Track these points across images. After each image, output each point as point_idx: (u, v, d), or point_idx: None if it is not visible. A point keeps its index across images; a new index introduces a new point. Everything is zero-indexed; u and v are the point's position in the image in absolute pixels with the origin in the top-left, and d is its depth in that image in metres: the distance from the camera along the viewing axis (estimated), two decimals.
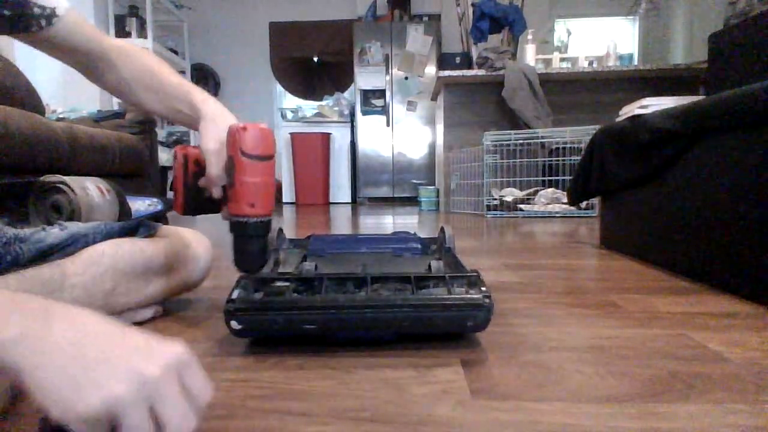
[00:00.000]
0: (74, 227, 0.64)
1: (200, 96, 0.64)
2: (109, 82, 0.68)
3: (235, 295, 0.59)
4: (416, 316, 0.56)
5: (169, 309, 0.77)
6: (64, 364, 0.27)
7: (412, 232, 0.95)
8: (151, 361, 0.29)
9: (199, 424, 0.32)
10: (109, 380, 0.27)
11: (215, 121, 0.60)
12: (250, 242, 0.56)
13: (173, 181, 0.65)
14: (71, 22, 0.60)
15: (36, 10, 0.56)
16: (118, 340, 0.30)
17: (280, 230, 0.91)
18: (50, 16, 0.57)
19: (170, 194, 0.69)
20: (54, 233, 0.61)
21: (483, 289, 0.59)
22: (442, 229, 0.87)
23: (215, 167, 0.58)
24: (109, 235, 0.67)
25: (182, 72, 4.19)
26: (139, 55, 0.68)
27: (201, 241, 0.80)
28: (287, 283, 0.64)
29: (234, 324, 0.56)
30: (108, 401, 0.27)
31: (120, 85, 0.67)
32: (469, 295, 0.58)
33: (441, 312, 0.56)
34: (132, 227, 0.72)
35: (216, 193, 0.60)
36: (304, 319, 0.56)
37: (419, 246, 0.87)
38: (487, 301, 0.57)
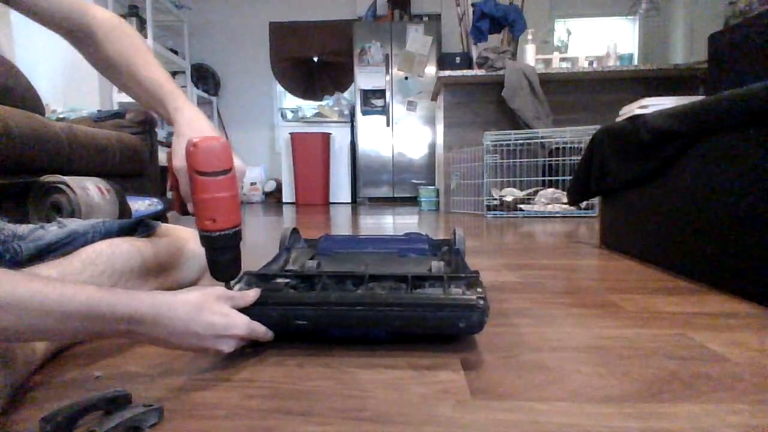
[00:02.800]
0: (73, 225, 0.64)
1: (174, 103, 0.61)
2: (95, 60, 0.65)
3: (235, 289, 0.60)
4: (408, 315, 0.56)
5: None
6: (181, 334, 0.48)
7: (424, 234, 0.95)
8: (215, 317, 0.51)
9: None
10: (193, 326, 0.49)
11: (185, 136, 0.58)
12: (220, 254, 0.57)
13: (170, 182, 0.65)
14: None
15: None
16: (189, 301, 0.49)
17: (295, 230, 0.92)
18: None
19: (170, 194, 0.69)
20: (53, 231, 0.61)
21: (479, 290, 0.58)
22: (454, 231, 0.88)
23: (184, 185, 0.57)
24: (107, 234, 0.67)
25: (182, 72, 4.19)
26: (125, 37, 0.65)
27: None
28: (288, 280, 0.64)
29: None
30: (197, 336, 0.49)
31: (103, 65, 0.65)
32: (462, 296, 0.57)
33: (432, 312, 0.56)
34: (131, 226, 0.72)
35: (191, 208, 0.58)
36: (297, 315, 0.57)
37: (425, 247, 0.87)
38: (481, 302, 0.55)
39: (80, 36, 0.63)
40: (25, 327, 0.38)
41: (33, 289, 0.38)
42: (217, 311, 0.51)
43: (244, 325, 0.54)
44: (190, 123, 0.60)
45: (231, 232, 0.56)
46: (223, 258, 0.57)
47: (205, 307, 0.50)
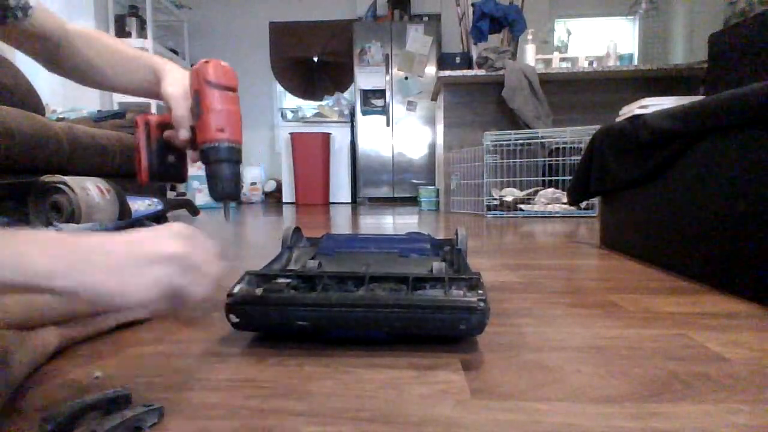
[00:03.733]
0: (70, 229, 0.64)
1: (161, 60, 0.66)
2: (72, 66, 0.68)
3: (236, 289, 0.60)
4: (408, 316, 0.56)
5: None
6: (107, 273, 0.35)
7: (426, 233, 0.95)
8: (167, 242, 0.38)
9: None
10: (148, 269, 0.36)
11: (175, 70, 0.63)
12: (223, 167, 0.57)
13: (135, 150, 0.66)
14: (42, 12, 0.61)
15: (11, 2, 0.57)
16: (136, 240, 0.38)
17: (297, 229, 0.92)
18: (25, 7, 0.58)
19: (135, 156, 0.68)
20: None
21: (480, 292, 0.58)
22: (456, 231, 0.88)
23: (181, 108, 0.59)
24: None
25: None
26: (98, 36, 0.69)
27: None
28: (289, 280, 0.64)
29: (232, 317, 0.58)
30: (156, 281, 0.36)
31: (83, 68, 0.68)
32: (462, 298, 0.57)
33: (432, 313, 0.56)
34: (128, 228, 0.72)
35: (183, 135, 0.60)
36: (298, 315, 0.57)
37: (427, 247, 0.87)
38: (481, 304, 0.55)
39: (61, 47, 0.65)
40: None
41: None
42: (172, 244, 0.38)
43: (207, 276, 0.40)
44: (181, 68, 0.65)
45: (237, 146, 0.57)
46: (226, 171, 0.57)
47: (154, 236, 0.39)
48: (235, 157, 0.57)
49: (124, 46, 0.69)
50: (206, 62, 0.56)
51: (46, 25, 0.62)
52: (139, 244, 0.38)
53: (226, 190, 0.58)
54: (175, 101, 0.59)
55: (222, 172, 0.57)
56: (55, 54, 0.66)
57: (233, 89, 0.57)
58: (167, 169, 0.66)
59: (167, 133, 0.62)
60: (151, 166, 0.63)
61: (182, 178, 0.66)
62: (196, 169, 3.62)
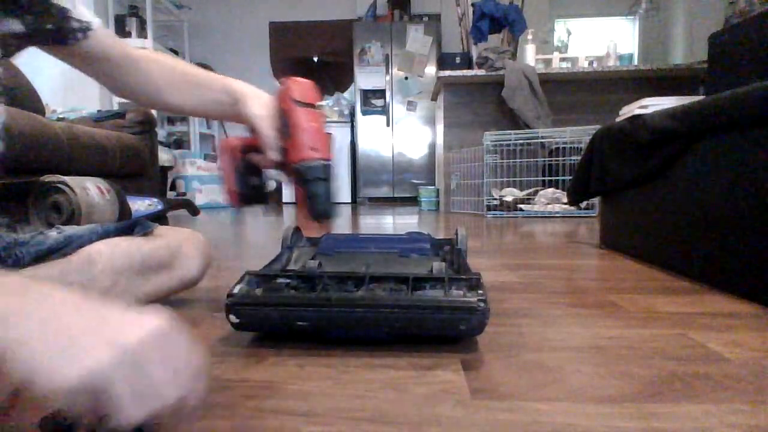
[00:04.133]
0: (71, 230, 0.65)
1: (238, 82, 0.67)
2: (136, 89, 0.69)
3: (236, 289, 0.60)
4: (408, 316, 0.56)
5: (167, 309, 0.77)
6: (45, 338, 0.27)
7: (426, 233, 0.94)
8: (132, 331, 0.29)
9: (201, 393, 0.31)
10: (90, 350, 0.27)
11: (256, 94, 0.64)
12: (320, 186, 0.57)
13: (222, 175, 0.66)
14: (103, 34, 0.62)
15: (74, 24, 0.58)
16: (97, 313, 0.30)
17: (297, 229, 0.92)
18: (86, 29, 0.59)
19: (221, 173, 0.67)
20: (53, 236, 0.63)
21: (480, 292, 0.58)
22: (456, 230, 0.88)
23: (269, 129, 0.60)
24: (105, 236, 0.67)
25: None
26: (165, 58, 0.70)
27: (198, 239, 0.80)
28: (288, 280, 0.64)
29: (232, 318, 0.58)
30: (90, 370, 0.26)
31: (148, 90, 0.69)
32: (462, 298, 0.57)
33: (432, 314, 0.56)
34: (128, 227, 0.72)
35: (273, 156, 0.60)
36: (298, 316, 0.57)
37: (427, 247, 0.86)
38: (481, 305, 0.55)
39: (123, 69, 0.66)
40: None
41: None
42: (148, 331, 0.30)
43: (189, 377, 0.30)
44: (258, 89, 0.66)
45: (329, 164, 0.57)
46: (323, 190, 0.57)
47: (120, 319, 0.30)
48: (328, 174, 0.57)
49: (193, 68, 0.70)
50: (291, 81, 0.56)
51: (106, 47, 0.63)
52: (99, 320, 0.29)
53: (326, 210, 0.58)
54: (262, 122, 0.59)
55: (319, 191, 0.57)
56: (118, 76, 0.67)
57: (319, 106, 0.57)
58: (254, 192, 0.66)
59: (254, 156, 0.62)
60: (241, 192, 0.63)
61: (266, 199, 0.67)
62: (195, 169, 3.58)
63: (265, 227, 2.26)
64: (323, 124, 0.58)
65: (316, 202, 0.57)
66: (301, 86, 0.56)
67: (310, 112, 0.56)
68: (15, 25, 0.54)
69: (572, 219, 2.43)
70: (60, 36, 0.58)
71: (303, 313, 0.57)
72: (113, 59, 0.65)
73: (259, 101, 0.62)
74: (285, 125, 0.56)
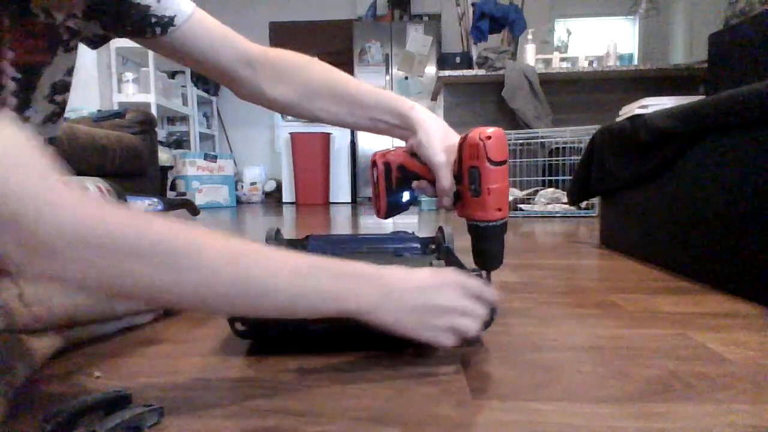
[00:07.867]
0: None
1: (407, 104, 0.62)
2: (271, 95, 0.64)
3: None
4: None
5: (169, 309, 0.77)
6: (409, 314, 0.48)
7: (410, 232, 0.94)
8: (449, 295, 0.49)
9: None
10: (432, 315, 0.48)
11: (437, 129, 0.60)
12: (496, 243, 0.57)
13: (374, 188, 0.65)
14: (194, 30, 0.58)
15: (153, 20, 0.56)
16: (421, 287, 0.49)
17: (278, 231, 0.90)
18: (167, 24, 0.56)
19: (373, 191, 0.68)
20: None
21: None
22: (440, 228, 0.86)
23: (447, 180, 0.58)
24: None
25: (182, 72, 4.19)
26: (312, 63, 0.66)
27: None
28: None
29: (238, 325, 0.56)
30: (439, 326, 0.48)
31: (290, 98, 0.65)
32: None
33: None
34: None
35: (446, 203, 0.59)
36: (312, 320, 0.56)
37: (417, 246, 0.86)
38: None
39: (239, 71, 0.62)
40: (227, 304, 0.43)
41: (239, 272, 0.41)
42: (451, 295, 0.49)
43: (478, 317, 0.50)
44: (434, 119, 0.61)
45: (507, 221, 0.57)
46: (498, 246, 0.57)
47: (438, 286, 0.49)
48: (505, 231, 0.56)
49: (351, 78, 0.66)
50: (488, 138, 0.54)
51: (197, 46, 0.59)
52: (423, 293, 0.48)
53: (495, 264, 0.58)
54: (443, 170, 0.58)
55: (495, 247, 0.57)
56: (229, 77, 0.63)
57: (507, 160, 0.55)
58: (399, 208, 0.66)
59: (418, 183, 0.62)
60: (390, 205, 0.63)
61: (407, 209, 0.67)
62: (195, 169, 3.56)
63: (265, 227, 2.26)
64: (508, 179, 0.56)
65: (487, 258, 0.57)
66: (498, 144, 0.54)
67: (501, 171, 0.54)
68: (96, 29, 0.57)
69: (572, 219, 2.43)
70: (135, 29, 0.57)
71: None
72: (206, 59, 0.60)
73: (442, 144, 0.59)
74: (475, 183, 0.54)
